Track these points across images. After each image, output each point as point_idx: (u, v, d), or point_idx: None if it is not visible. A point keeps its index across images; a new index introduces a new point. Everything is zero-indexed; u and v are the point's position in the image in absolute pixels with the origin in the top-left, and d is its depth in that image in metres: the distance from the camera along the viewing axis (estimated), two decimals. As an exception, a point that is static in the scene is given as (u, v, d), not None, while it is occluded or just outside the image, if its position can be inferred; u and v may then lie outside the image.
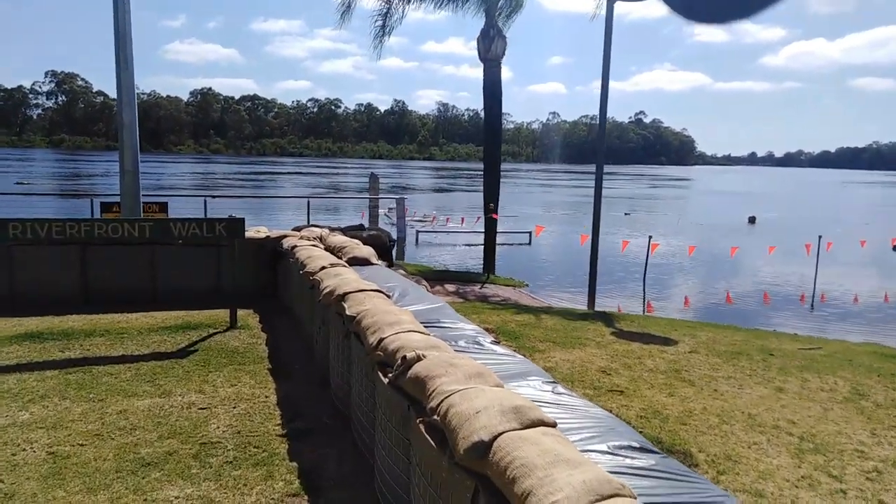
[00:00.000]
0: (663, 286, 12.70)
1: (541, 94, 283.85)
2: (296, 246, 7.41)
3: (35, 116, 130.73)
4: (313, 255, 6.38)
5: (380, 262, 6.99)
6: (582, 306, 10.26)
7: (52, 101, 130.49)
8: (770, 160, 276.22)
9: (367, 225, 20.74)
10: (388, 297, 4.74)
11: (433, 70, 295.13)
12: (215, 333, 6.52)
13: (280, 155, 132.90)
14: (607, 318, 8.44)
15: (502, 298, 9.98)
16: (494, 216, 14.27)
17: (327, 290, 4.89)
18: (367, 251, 6.97)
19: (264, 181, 51.58)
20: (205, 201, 15.71)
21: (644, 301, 11.72)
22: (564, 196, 44.84)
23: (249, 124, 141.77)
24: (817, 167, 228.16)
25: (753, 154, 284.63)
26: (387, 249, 9.14)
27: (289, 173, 67.36)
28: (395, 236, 18.15)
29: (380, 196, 28.00)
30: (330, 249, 7.68)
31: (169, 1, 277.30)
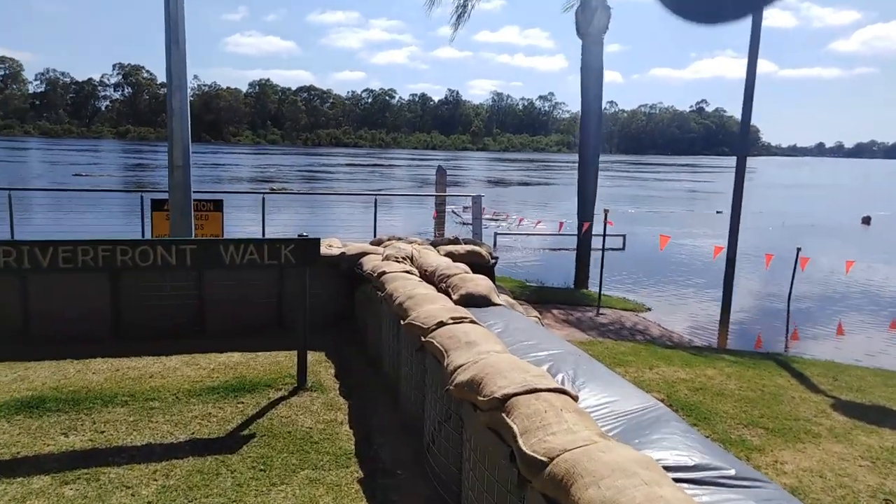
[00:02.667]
0: (809, 314, 10.31)
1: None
2: (384, 272, 5.50)
3: (103, 108, 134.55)
4: (416, 296, 4.45)
5: (502, 300, 5.01)
6: (705, 338, 8.15)
7: (119, 92, 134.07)
8: (839, 151, 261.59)
9: (435, 228, 18.90)
10: (575, 397, 2.75)
11: (486, 59, 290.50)
12: (279, 400, 4.67)
13: (335, 146, 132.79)
14: (786, 368, 6.27)
15: (629, 330, 7.89)
16: (586, 225, 12.13)
17: (466, 378, 2.94)
18: (484, 285, 5.00)
19: (322, 174, 50.48)
20: (263, 199, 14.08)
21: (787, 334, 9.35)
22: (638, 189, 41.89)
23: (305, 115, 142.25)
24: (892, 158, 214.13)
25: (821, 144, 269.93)
26: (489, 269, 7.18)
27: (347, 165, 66.36)
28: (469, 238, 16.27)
29: (447, 194, 26.14)
30: (427, 276, 5.76)
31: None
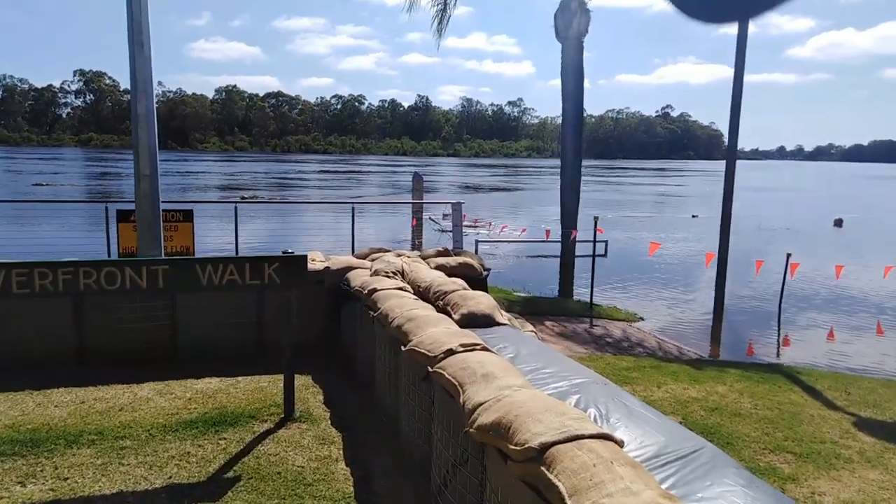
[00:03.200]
0: (794, 318, 10.20)
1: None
2: (375, 290, 5.11)
3: (64, 115, 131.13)
4: (416, 317, 4.07)
5: (506, 317, 4.65)
6: (697, 346, 7.94)
7: (81, 99, 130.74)
8: (800, 154, 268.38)
9: (413, 236, 18.47)
10: (621, 443, 2.40)
11: (455, 65, 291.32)
12: (265, 434, 4.24)
13: (304, 152, 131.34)
14: (796, 381, 6.03)
15: (625, 342, 7.60)
16: (574, 233, 11.88)
17: (490, 420, 2.57)
18: (486, 302, 4.63)
19: (295, 182, 49.69)
20: (235, 208, 13.51)
21: (779, 340, 9.19)
22: (612, 194, 42.02)
23: (274, 121, 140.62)
24: (849, 161, 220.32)
25: (782, 148, 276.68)
26: (483, 282, 6.82)
27: (320, 172, 65.57)
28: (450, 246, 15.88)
29: (426, 201, 25.69)
30: (421, 293, 5.38)
31: (194, 0, 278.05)
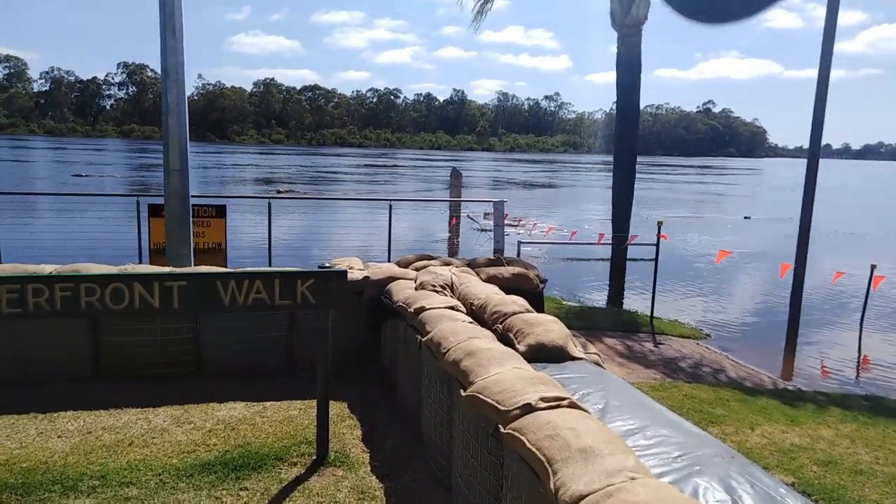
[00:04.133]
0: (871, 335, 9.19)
1: (600, 83, 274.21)
2: (423, 308, 4.41)
3: (108, 107, 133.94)
4: (476, 352, 3.35)
5: (580, 350, 3.90)
6: (769, 369, 7.06)
7: (124, 91, 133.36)
8: (846, 152, 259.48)
9: (451, 235, 17.75)
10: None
11: (491, 59, 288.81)
12: (294, 483, 3.58)
13: (340, 145, 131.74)
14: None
15: (698, 365, 6.76)
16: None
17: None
18: (557, 331, 3.89)
19: (330, 175, 49.47)
20: (269, 204, 12.99)
21: (858, 363, 8.21)
22: (658, 192, 40.61)
23: (310, 114, 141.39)
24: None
25: (828, 146, 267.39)
26: (539, 297, 6.08)
27: (357, 166, 65.39)
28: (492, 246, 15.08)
29: (467, 199, 24.89)
30: (474, 312, 4.66)
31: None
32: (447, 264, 6.13)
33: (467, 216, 19.13)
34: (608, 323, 8.17)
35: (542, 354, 3.68)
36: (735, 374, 6.47)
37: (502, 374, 3.02)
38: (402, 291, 5.11)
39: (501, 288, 5.49)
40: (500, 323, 4.23)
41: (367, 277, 5.64)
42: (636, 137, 12.18)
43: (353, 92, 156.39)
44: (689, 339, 7.82)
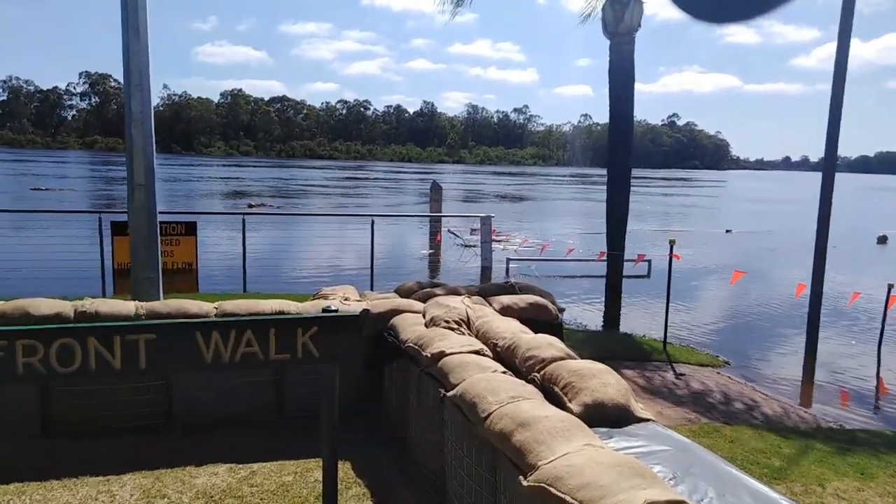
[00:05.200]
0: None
1: (568, 96, 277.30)
2: (443, 353, 3.72)
3: (70, 118, 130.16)
4: (529, 422, 2.66)
5: (643, 410, 3.25)
6: (788, 396, 6.55)
7: (86, 102, 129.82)
8: (805, 165, 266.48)
9: (433, 251, 17.05)
10: None
11: (460, 72, 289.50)
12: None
13: (310, 157, 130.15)
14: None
15: (728, 399, 6.17)
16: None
17: None
18: (615, 386, 3.22)
19: (304, 188, 48.40)
20: (243, 220, 12.16)
21: (877, 390, 7.75)
22: (635, 203, 40.54)
23: (279, 126, 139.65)
24: (856, 172, 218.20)
25: (788, 158, 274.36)
26: (558, 329, 5.44)
27: (326, 179, 64.37)
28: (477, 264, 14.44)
29: (452, 214, 24.23)
30: (498, 353, 3.99)
31: (200, 4, 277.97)
32: (454, 292, 5.45)
33: (448, 231, 18.47)
34: (619, 349, 7.57)
35: (600, 416, 3.02)
36: (770, 410, 5.90)
37: (575, 457, 2.35)
38: (411, 329, 4.41)
39: (517, 319, 4.85)
40: (538, 371, 3.57)
41: (366, 310, 4.93)
42: (630, 149, 11.69)
43: (322, 103, 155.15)
44: (709, 368, 7.25)
